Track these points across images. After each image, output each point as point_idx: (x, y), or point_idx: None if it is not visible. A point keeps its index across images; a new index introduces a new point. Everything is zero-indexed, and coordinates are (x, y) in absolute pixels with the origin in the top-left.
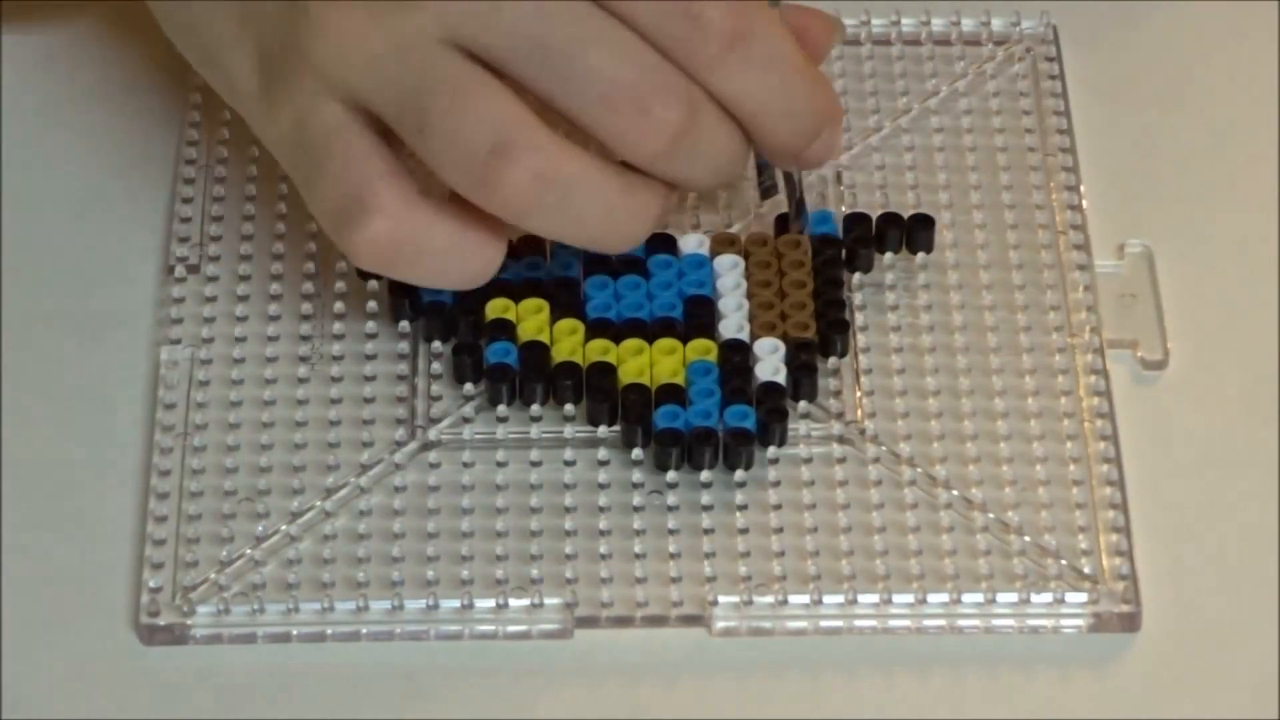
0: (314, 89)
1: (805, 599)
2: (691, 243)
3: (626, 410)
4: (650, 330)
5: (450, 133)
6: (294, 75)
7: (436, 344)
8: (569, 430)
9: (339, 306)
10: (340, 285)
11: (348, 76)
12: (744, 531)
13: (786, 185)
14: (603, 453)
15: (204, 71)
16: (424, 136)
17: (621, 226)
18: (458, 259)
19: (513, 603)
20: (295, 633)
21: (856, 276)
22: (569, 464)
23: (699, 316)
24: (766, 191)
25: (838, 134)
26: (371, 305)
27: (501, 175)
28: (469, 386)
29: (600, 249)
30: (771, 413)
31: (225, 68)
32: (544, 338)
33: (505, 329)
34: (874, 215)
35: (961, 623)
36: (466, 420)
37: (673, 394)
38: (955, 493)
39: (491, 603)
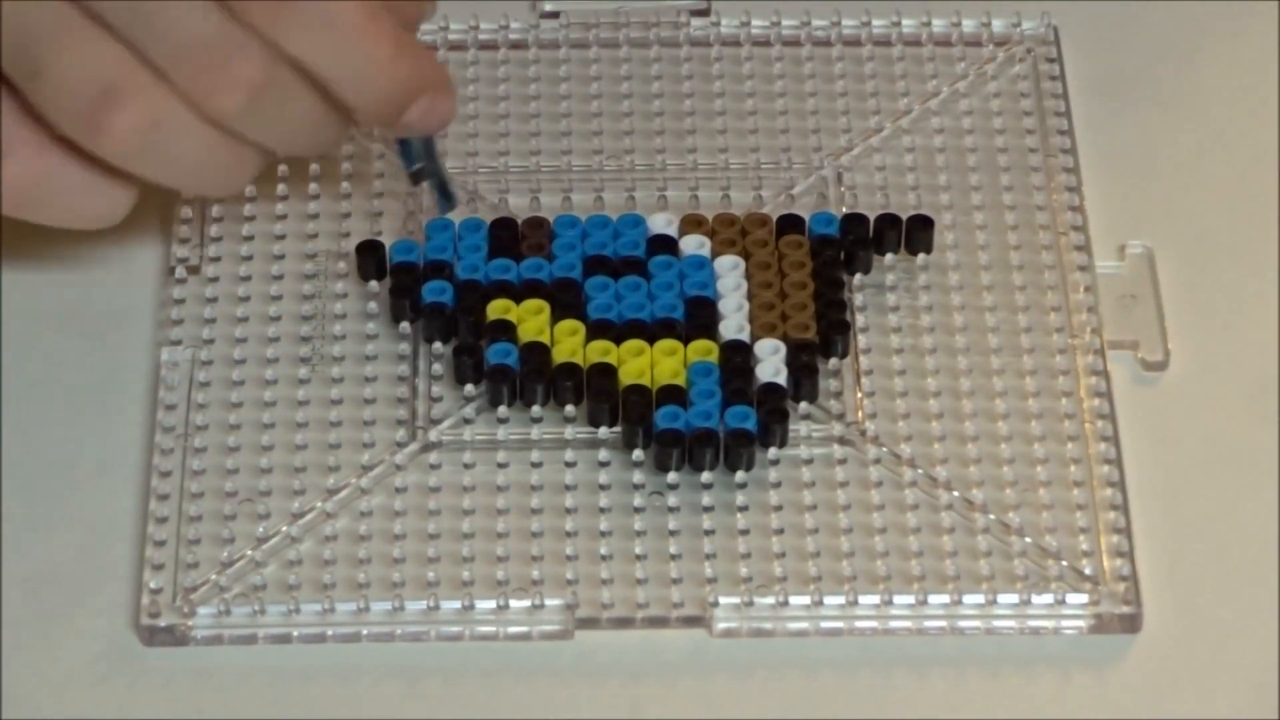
0: None
1: (806, 600)
2: (692, 244)
3: (627, 411)
4: (651, 331)
5: (60, 78)
6: None
7: (437, 345)
8: (570, 431)
9: (339, 307)
10: (340, 286)
11: None
12: (745, 533)
13: (414, 157)
14: (603, 454)
15: None
16: (35, 82)
17: (221, 177)
18: (88, 199)
19: (513, 604)
20: (296, 634)
21: (857, 277)
22: (570, 465)
23: (700, 317)
24: (415, 176)
25: (443, 101)
26: (372, 306)
27: (111, 119)
28: (470, 388)
29: (201, 195)
30: (772, 414)
31: None
32: (545, 339)
33: (506, 330)
34: (872, 216)
35: (962, 624)
36: (467, 421)
37: (673, 395)
38: (956, 494)
39: (492, 604)
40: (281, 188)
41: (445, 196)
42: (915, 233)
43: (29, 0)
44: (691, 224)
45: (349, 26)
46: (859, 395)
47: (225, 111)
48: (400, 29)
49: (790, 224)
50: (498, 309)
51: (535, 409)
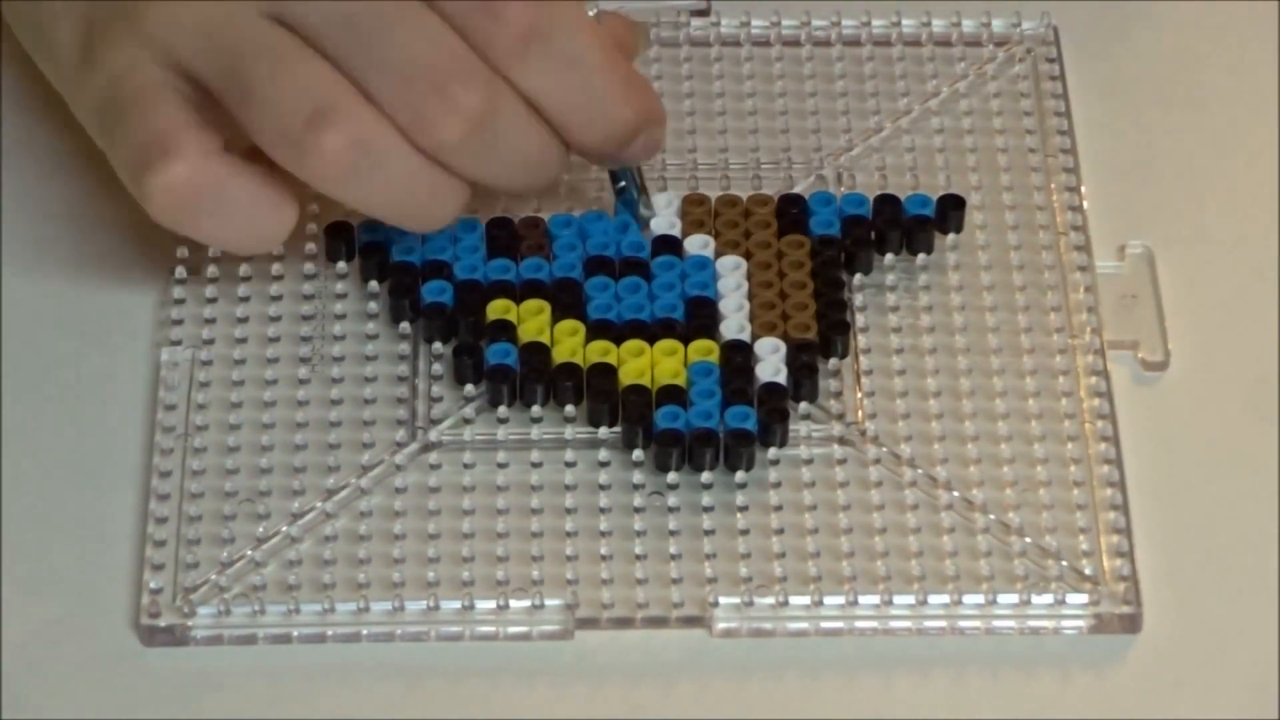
0: (137, 52)
1: (806, 600)
2: (695, 244)
3: (627, 411)
4: (651, 331)
5: (271, 99)
6: (120, 39)
7: (437, 345)
8: (570, 431)
9: (339, 307)
10: (340, 286)
11: (174, 41)
12: (744, 533)
13: (624, 181)
14: (603, 454)
15: (29, 45)
16: (246, 103)
17: (425, 208)
18: (252, 218)
19: (513, 604)
20: (296, 634)
21: (857, 277)
22: (570, 465)
23: (700, 317)
24: (620, 193)
25: (659, 134)
26: (372, 306)
27: (319, 140)
28: (470, 388)
29: (404, 227)
30: (772, 413)
31: (50, 40)
32: (545, 339)
33: (506, 330)
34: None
35: (962, 624)
36: (467, 421)
37: (674, 395)
38: (956, 494)
39: (492, 604)
40: None
41: (647, 210)
42: (914, 233)
43: (242, 24)
44: (694, 204)
45: (592, 66)
46: (859, 395)
47: (445, 142)
48: (629, 65)
49: (791, 205)
50: (498, 309)
51: (535, 409)
